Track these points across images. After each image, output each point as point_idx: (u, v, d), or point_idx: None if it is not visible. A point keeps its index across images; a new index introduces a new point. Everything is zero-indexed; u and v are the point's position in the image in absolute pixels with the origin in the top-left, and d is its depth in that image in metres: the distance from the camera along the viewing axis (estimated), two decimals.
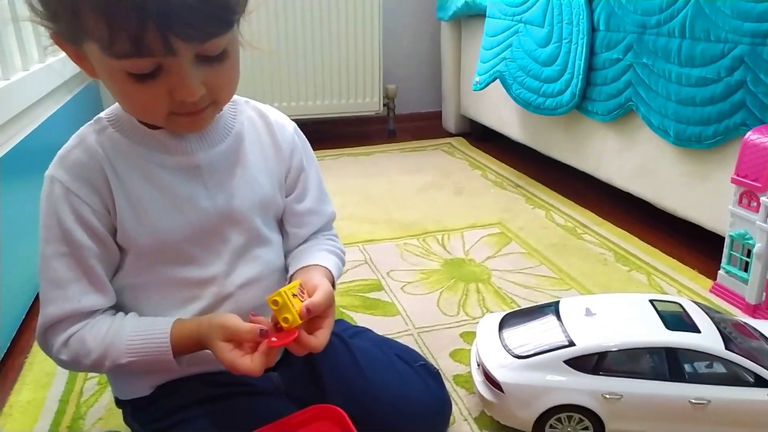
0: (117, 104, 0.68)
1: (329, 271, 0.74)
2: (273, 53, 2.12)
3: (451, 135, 2.41)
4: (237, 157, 0.72)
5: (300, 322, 0.62)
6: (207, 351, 0.71)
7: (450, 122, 2.41)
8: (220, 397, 0.73)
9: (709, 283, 1.21)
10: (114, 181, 0.65)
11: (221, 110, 0.68)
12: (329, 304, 0.66)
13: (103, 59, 0.56)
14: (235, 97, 0.75)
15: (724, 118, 1.15)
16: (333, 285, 0.73)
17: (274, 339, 0.62)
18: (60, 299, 0.64)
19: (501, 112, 2.00)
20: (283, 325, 0.61)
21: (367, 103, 2.30)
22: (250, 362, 0.61)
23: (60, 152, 0.66)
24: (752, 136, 1.07)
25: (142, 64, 0.55)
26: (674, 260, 1.32)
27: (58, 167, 0.64)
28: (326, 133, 2.40)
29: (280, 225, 0.81)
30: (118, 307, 0.69)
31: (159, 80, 0.57)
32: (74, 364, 0.66)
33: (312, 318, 0.64)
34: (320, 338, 0.65)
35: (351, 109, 2.29)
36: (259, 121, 0.76)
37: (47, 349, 0.67)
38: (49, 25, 0.58)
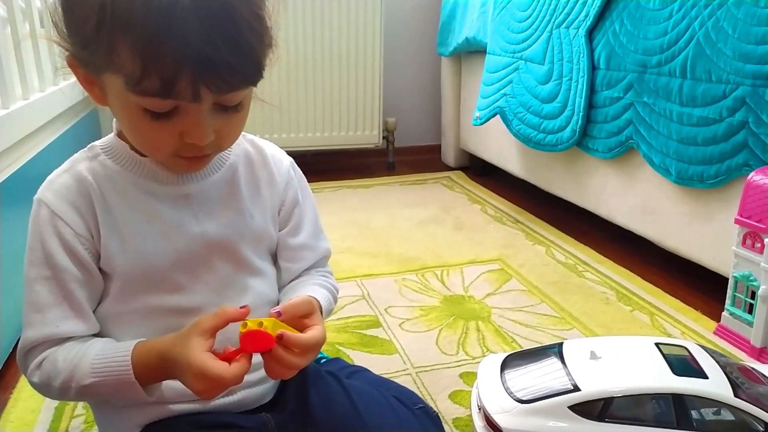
0: (112, 134, 0.69)
1: (317, 300, 0.72)
2: (276, 91, 2.13)
3: (450, 169, 2.41)
4: (229, 188, 0.72)
5: (275, 320, 0.59)
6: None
7: (449, 156, 2.41)
8: None
9: (713, 324, 1.19)
10: (100, 206, 0.64)
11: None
12: (308, 309, 0.63)
13: (122, 93, 0.56)
14: None
15: (726, 158, 1.15)
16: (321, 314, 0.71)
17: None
18: (38, 323, 0.63)
19: (501, 147, 2.00)
20: (260, 325, 0.58)
21: (367, 135, 2.30)
22: (225, 367, 0.57)
23: (50, 176, 0.66)
24: (755, 177, 1.06)
25: (162, 105, 0.56)
26: (677, 300, 1.30)
27: (45, 190, 0.65)
28: (326, 165, 2.40)
29: (275, 259, 0.80)
30: (102, 338, 0.67)
31: (174, 121, 0.58)
32: (45, 388, 0.64)
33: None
34: (308, 335, 0.61)
35: (351, 142, 2.30)
36: (255, 154, 0.76)
37: (24, 372, 0.65)
38: (72, 49, 0.58)
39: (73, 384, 0.62)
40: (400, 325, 1.21)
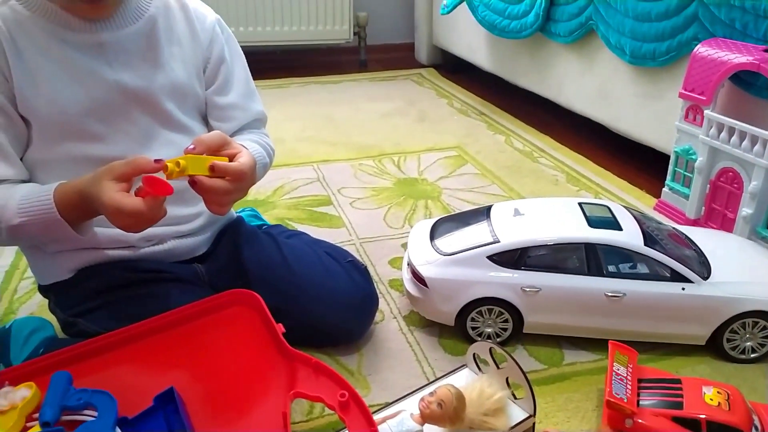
0: None
1: (242, 146, 0.72)
2: None
3: (423, 66, 2.36)
4: (148, 40, 0.71)
5: (192, 156, 0.59)
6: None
7: (422, 53, 2.36)
8: (140, 283, 0.73)
9: (655, 201, 1.22)
10: (11, 51, 0.64)
11: None
12: (221, 139, 0.63)
13: None
14: None
15: (677, 33, 1.13)
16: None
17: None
18: None
19: (471, 40, 1.96)
20: (178, 165, 0.58)
21: (337, 30, 2.24)
22: (140, 202, 0.57)
23: None
24: (701, 49, 1.05)
25: None
26: (624, 181, 1.33)
27: None
28: (296, 63, 2.35)
29: (207, 121, 0.81)
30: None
31: None
32: None
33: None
34: (236, 162, 0.62)
35: (320, 37, 2.24)
36: (177, 8, 0.75)
37: None
38: None
39: (2, 225, 0.64)
40: (350, 204, 1.23)
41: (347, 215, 1.19)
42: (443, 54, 2.29)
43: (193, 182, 0.61)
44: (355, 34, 2.31)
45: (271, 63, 2.24)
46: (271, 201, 1.24)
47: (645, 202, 1.23)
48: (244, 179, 0.63)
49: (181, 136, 0.75)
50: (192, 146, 0.61)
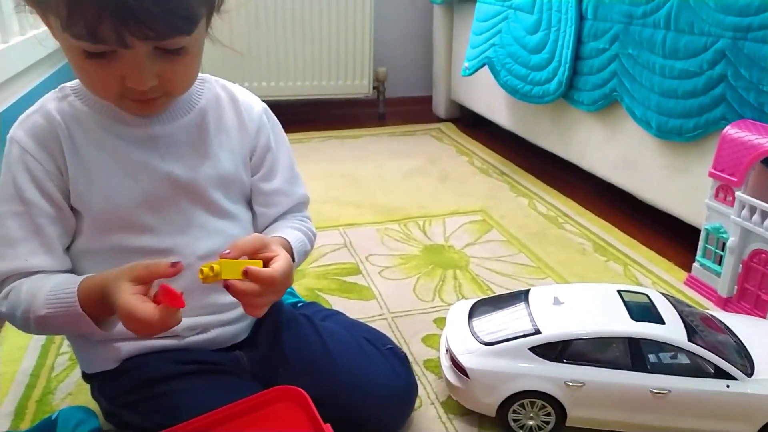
0: None
1: (285, 239, 0.73)
2: (263, 39, 2.10)
3: (440, 120, 2.40)
4: (198, 132, 0.73)
5: (227, 261, 0.59)
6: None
7: (440, 107, 2.40)
8: (185, 375, 0.73)
9: (684, 275, 1.22)
10: (67, 145, 0.66)
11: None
12: (259, 242, 0.64)
13: (62, 34, 0.57)
14: (204, 75, 0.75)
15: (704, 111, 1.15)
16: (292, 255, 0.72)
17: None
18: (9, 257, 0.65)
19: (490, 99, 1.99)
20: (212, 270, 0.58)
21: (357, 85, 2.29)
22: (153, 310, 0.56)
23: (22, 116, 0.68)
24: (730, 130, 1.07)
25: (96, 47, 0.57)
26: (652, 252, 1.33)
27: (17, 129, 0.67)
28: (315, 115, 2.39)
29: (252, 205, 0.82)
30: (75, 274, 0.69)
31: (113, 64, 0.59)
32: (10, 317, 0.66)
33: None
34: (270, 268, 0.62)
35: (340, 91, 2.28)
36: (226, 99, 0.77)
37: None
38: None
39: (31, 315, 0.64)
40: (379, 273, 1.24)
41: (377, 285, 1.19)
42: (461, 108, 2.32)
43: (227, 286, 0.61)
44: (374, 88, 2.35)
45: (290, 115, 2.28)
46: (300, 269, 1.24)
47: (674, 275, 1.23)
48: (274, 284, 0.63)
49: (227, 223, 0.76)
50: (227, 251, 0.61)
